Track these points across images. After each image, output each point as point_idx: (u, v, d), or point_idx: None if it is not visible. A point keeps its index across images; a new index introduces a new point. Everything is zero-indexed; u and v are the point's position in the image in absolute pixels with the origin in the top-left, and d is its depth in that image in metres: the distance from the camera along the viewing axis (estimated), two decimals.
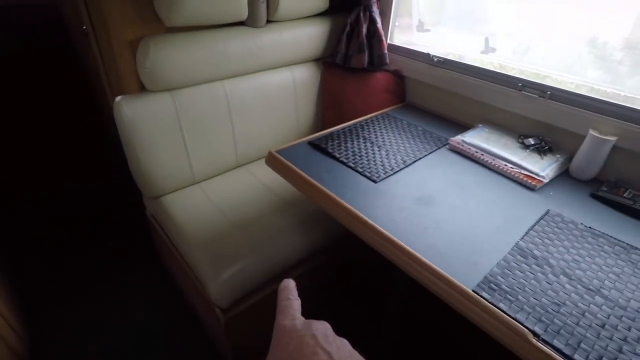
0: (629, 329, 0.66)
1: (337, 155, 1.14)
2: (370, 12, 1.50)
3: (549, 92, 1.16)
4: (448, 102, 1.45)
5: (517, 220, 0.91)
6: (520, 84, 1.22)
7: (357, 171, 1.08)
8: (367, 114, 1.44)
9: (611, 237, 0.87)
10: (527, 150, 1.15)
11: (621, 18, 1.07)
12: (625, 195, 1.00)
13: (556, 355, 0.61)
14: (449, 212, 0.93)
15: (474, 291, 0.72)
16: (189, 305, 1.53)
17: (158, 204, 1.38)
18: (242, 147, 1.51)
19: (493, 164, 1.11)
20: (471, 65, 1.35)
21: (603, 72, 1.15)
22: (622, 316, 0.69)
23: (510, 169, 1.08)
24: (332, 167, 1.09)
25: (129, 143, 1.23)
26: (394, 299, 1.26)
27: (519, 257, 0.80)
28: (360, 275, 1.63)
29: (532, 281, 0.75)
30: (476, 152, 1.15)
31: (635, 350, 0.63)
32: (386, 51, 1.53)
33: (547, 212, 0.94)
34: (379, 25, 1.51)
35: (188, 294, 1.44)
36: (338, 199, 0.95)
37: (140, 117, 1.21)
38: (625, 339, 0.64)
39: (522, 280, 0.75)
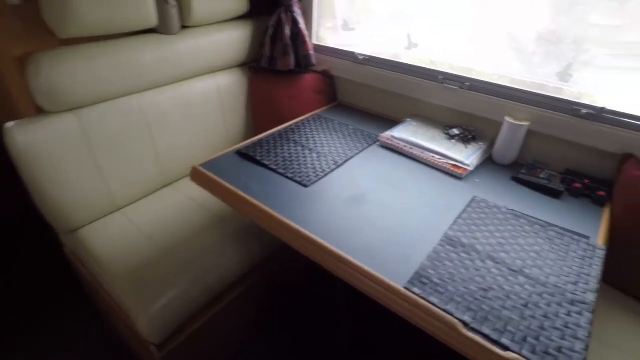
0: (549, 305, 0.71)
1: (267, 163, 1.12)
2: (292, 13, 1.50)
3: (467, 84, 1.23)
4: (377, 99, 1.49)
5: (446, 210, 0.95)
6: (441, 77, 1.28)
7: (287, 177, 1.06)
8: (299, 117, 1.44)
9: (531, 217, 0.93)
10: (453, 141, 1.22)
11: (534, 12, 1.16)
12: (541, 175, 1.08)
13: (485, 342, 0.64)
14: (381, 209, 0.95)
15: (405, 288, 0.73)
16: (124, 345, 1.41)
17: (75, 239, 1.26)
18: (167, 164, 1.43)
19: (421, 156, 1.15)
20: (394, 62, 1.40)
21: (521, 64, 1.24)
22: (542, 293, 0.73)
23: (438, 160, 1.13)
24: (262, 176, 1.07)
25: (29, 174, 1.11)
26: (338, 303, 1.27)
27: (448, 247, 0.83)
28: (304, 283, 1.62)
29: (461, 270, 0.78)
30: (405, 146, 1.19)
31: (554, 325, 0.67)
32: (312, 52, 1.54)
33: (473, 199, 0.99)
34: (302, 26, 1.51)
35: (121, 333, 1.33)
36: (267, 209, 0.93)
37: (39, 143, 1.10)
38: (546, 315, 0.69)
39: (451, 270, 0.78)
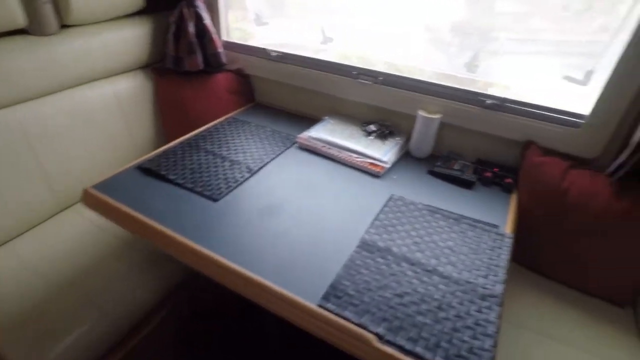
0: (462, 303, 0.71)
1: (172, 177, 1.01)
2: (195, 7, 1.38)
3: (380, 78, 1.22)
4: (295, 97, 1.43)
5: (363, 212, 0.93)
6: (355, 72, 1.26)
7: (195, 192, 0.97)
8: (214, 120, 1.34)
9: (445, 210, 0.94)
10: (371, 137, 1.20)
11: (448, 1, 1.16)
12: (455, 167, 1.11)
13: (399, 354, 0.62)
14: (297, 219, 0.90)
15: (319, 305, 0.69)
16: None
17: None
18: (62, 185, 1.25)
19: (340, 156, 1.12)
20: (307, 57, 1.35)
21: (441, 54, 1.25)
22: (455, 291, 0.73)
23: (356, 159, 1.10)
24: (167, 193, 0.97)
25: None
26: (267, 329, 1.21)
27: (364, 252, 0.81)
28: (232, 307, 1.53)
29: (377, 276, 0.75)
30: (323, 146, 1.15)
31: (466, 324, 0.67)
32: (221, 50, 1.44)
33: (390, 198, 0.98)
34: (207, 21, 1.40)
35: None
36: (170, 232, 0.83)
37: None
38: (458, 315, 0.69)
39: (367, 278, 0.75)
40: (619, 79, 0.89)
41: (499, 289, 0.74)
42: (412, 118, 1.17)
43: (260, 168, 1.08)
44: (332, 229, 0.87)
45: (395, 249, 0.82)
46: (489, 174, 1.07)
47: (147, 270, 1.12)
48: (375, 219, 0.90)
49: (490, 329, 0.66)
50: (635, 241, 0.92)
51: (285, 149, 1.18)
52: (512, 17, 1.10)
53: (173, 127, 1.50)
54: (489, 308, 0.70)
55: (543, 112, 1.03)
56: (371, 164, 1.08)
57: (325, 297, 0.70)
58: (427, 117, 1.12)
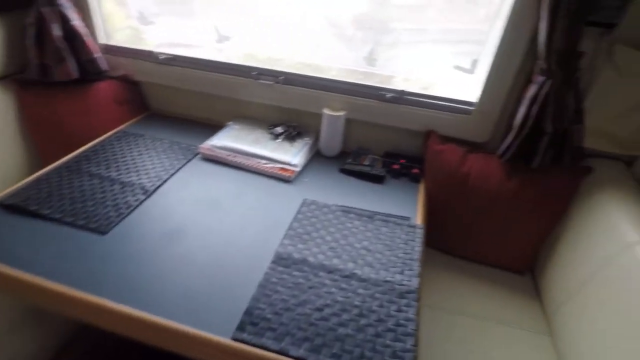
0: (382, 306, 0.70)
1: (46, 212, 0.85)
2: (58, 6, 1.18)
3: (281, 77, 1.17)
4: (194, 103, 1.32)
5: (276, 222, 0.88)
6: (255, 73, 1.19)
7: (77, 226, 0.83)
8: (100, 136, 1.17)
9: (358, 209, 0.94)
10: (278, 140, 1.15)
11: None
12: (365, 162, 1.11)
13: None
14: (204, 240, 0.82)
15: (234, 338, 0.63)
16: None
17: None
18: None
19: (247, 164, 1.06)
20: (201, 59, 1.25)
21: (346, 49, 1.23)
22: (375, 293, 0.73)
23: (264, 166, 1.05)
24: (39, 233, 0.81)
25: None
26: None
27: (279, 268, 0.76)
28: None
29: (295, 292, 0.71)
30: (228, 154, 1.08)
31: (388, 326, 0.67)
32: (98, 54, 1.26)
33: (303, 203, 0.94)
34: (77, 22, 1.21)
35: None
36: (45, 283, 0.69)
37: None
38: (379, 319, 0.68)
39: (284, 296, 0.70)
40: (498, 67, 0.97)
41: (415, 283, 0.75)
42: (319, 117, 1.15)
43: (158, 187, 0.97)
44: (243, 246, 0.81)
45: (311, 259, 0.79)
46: (396, 166, 1.10)
47: (26, 329, 0.94)
48: (289, 228, 0.86)
49: (411, 327, 0.67)
50: (525, 216, 1.01)
51: (187, 162, 1.08)
52: (408, 10, 1.13)
53: (50, 150, 1.28)
54: (407, 305, 0.71)
55: (438, 102, 1.08)
56: (281, 169, 1.04)
57: (240, 327, 0.64)
58: (332, 115, 1.10)
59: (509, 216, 1.03)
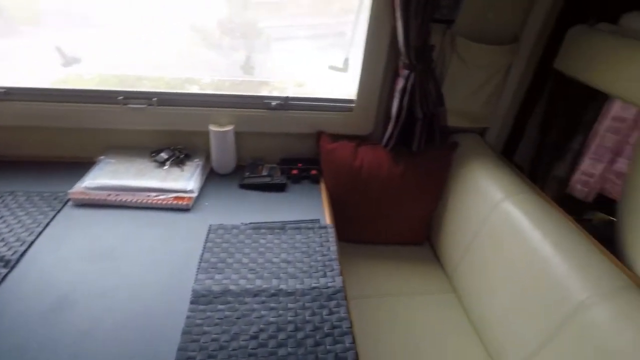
0: (314, 314, 0.72)
1: None
2: None
3: (154, 99, 1.08)
4: (50, 140, 1.12)
5: (184, 259, 0.82)
6: (121, 97, 1.07)
7: None
8: None
9: (268, 222, 0.93)
10: (165, 167, 1.06)
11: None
12: (264, 173, 1.11)
13: None
14: (102, 301, 0.71)
15: None
16: None
17: None
18: None
19: (135, 200, 0.95)
20: (48, 89, 1.07)
21: (220, 58, 1.18)
22: (305, 303, 0.73)
23: (155, 198, 0.96)
24: None
25: None
26: None
27: (201, 307, 0.71)
28: None
29: (225, 327, 0.68)
30: (108, 194, 0.95)
31: (325, 331, 0.68)
32: None
33: (209, 229, 0.90)
34: None
35: None
36: None
37: None
38: (315, 328, 0.69)
39: (214, 335, 0.66)
40: (368, 65, 1.06)
41: (339, 281, 0.79)
42: (207, 134, 1.09)
43: (23, 253, 0.80)
44: (153, 296, 0.73)
45: (233, 287, 0.75)
46: (295, 171, 1.12)
47: None
48: (201, 260, 0.81)
49: (345, 326, 0.70)
50: (414, 194, 1.15)
51: (56, 214, 0.91)
52: (270, 7, 1.15)
53: None
54: (337, 305, 0.74)
55: (322, 104, 1.13)
56: (176, 198, 0.96)
57: None
58: (220, 130, 1.06)
59: (402, 197, 1.15)
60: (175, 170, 1.05)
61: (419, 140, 1.09)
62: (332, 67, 1.19)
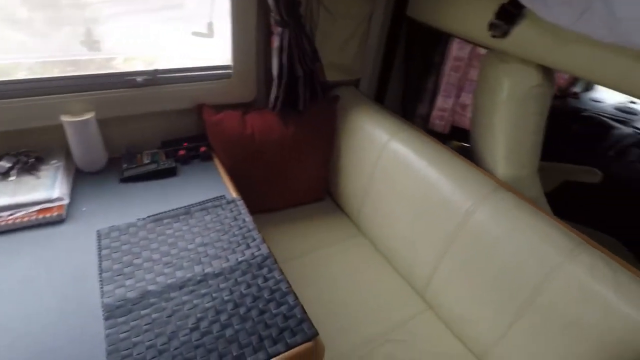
0: (250, 286, 0.70)
1: None
2: None
3: None
4: None
5: (78, 276, 0.69)
6: None
7: None
8: None
9: (169, 211, 0.85)
10: (12, 179, 0.85)
11: None
12: (146, 161, 0.99)
13: None
14: None
15: None
16: None
17: None
18: None
19: None
20: None
21: (25, 36, 0.94)
22: (237, 278, 0.71)
23: (10, 218, 0.77)
24: None
25: None
26: None
27: (120, 319, 0.62)
28: None
29: (157, 330, 0.61)
30: None
31: (266, 299, 0.68)
32: None
33: (99, 236, 0.77)
34: None
35: None
36: None
37: None
38: (255, 298, 0.68)
39: (148, 342, 0.59)
40: (238, 25, 1.02)
41: (264, 248, 0.78)
42: (60, 128, 0.91)
43: None
44: (48, 334, 0.60)
45: (152, 287, 0.68)
46: (182, 152, 1.03)
47: None
48: (102, 271, 0.70)
49: (284, 286, 0.70)
50: (309, 153, 1.19)
51: None
52: None
53: None
54: (270, 270, 0.73)
55: (196, 74, 1.05)
56: (40, 211, 0.79)
57: None
58: (76, 121, 0.90)
59: (297, 157, 1.18)
60: (28, 179, 0.86)
61: (304, 98, 1.11)
62: (196, 34, 1.10)
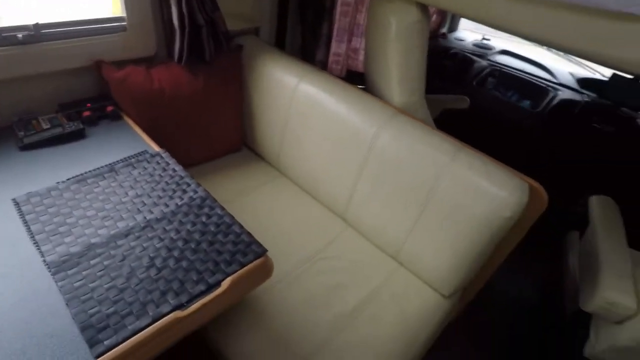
0: (195, 224, 0.75)
1: None
2: None
3: None
4: None
5: (12, 244, 0.66)
6: None
7: None
8: None
9: (90, 171, 0.83)
10: None
11: None
12: (45, 126, 0.92)
13: (204, 299, 0.63)
14: None
15: (97, 356, 0.53)
16: None
17: None
18: None
19: None
20: None
21: None
22: (180, 220, 0.75)
23: None
24: None
25: None
26: None
27: (71, 271, 0.62)
28: None
29: (114, 273, 0.63)
30: None
31: (215, 232, 0.74)
32: None
33: (17, 205, 0.73)
34: None
35: None
36: None
37: None
38: (203, 232, 0.73)
39: (107, 284, 0.61)
40: None
41: (201, 190, 0.82)
42: None
43: None
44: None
45: (95, 240, 0.68)
46: (87, 113, 0.97)
47: None
48: (33, 234, 0.67)
49: (228, 219, 0.77)
50: (220, 104, 1.21)
51: None
52: None
53: None
54: (212, 208, 0.79)
55: (87, 27, 0.97)
56: None
57: (92, 342, 0.54)
58: None
59: (210, 110, 1.20)
60: None
61: (209, 49, 1.12)
62: None
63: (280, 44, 1.43)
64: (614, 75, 1.69)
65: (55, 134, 0.90)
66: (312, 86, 1.13)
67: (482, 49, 2.06)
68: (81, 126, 0.93)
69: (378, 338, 0.92)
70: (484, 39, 2.16)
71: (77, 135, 0.93)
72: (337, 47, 1.65)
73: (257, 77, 1.24)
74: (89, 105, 0.99)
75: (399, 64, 1.07)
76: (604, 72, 1.92)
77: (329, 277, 1.02)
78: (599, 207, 1.19)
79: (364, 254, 1.11)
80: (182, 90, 1.10)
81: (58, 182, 0.78)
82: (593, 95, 1.73)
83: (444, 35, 2.14)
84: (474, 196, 0.88)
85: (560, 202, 1.27)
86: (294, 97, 1.16)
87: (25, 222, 0.70)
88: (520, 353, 1.39)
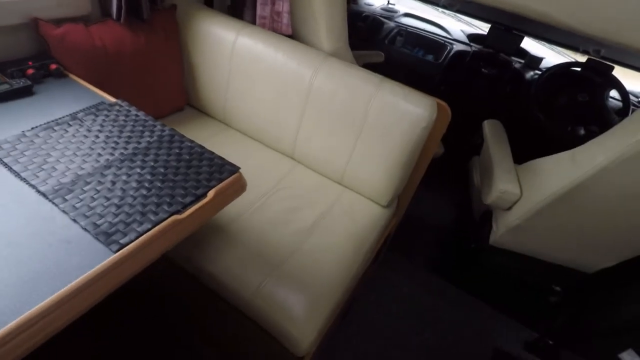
0: (169, 154, 0.84)
1: None
2: None
3: None
4: None
5: None
6: None
7: None
8: None
9: (54, 120, 0.85)
10: None
11: None
12: (19, 80, 0.90)
13: (197, 204, 0.74)
14: None
15: (116, 250, 0.62)
16: None
17: None
18: None
19: None
20: None
21: None
22: (157, 152, 0.83)
23: None
24: None
25: None
26: None
27: (70, 195, 0.69)
28: None
29: (107, 194, 0.71)
30: None
31: (190, 155, 0.84)
32: None
33: None
34: None
35: None
36: None
37: None
38: (180, 160, 0.83)
39: (105, 203, 0.69)
40: None
41: (167, 129, 0.91)
42: None
43: None
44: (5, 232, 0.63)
45: (81, 172, 0.74)
46: (30, 71, 0.97)
47: None
48: (17, 173, 0.71)
49: (199, 148, 0.87)
50: (162, 63, 1.25)
51: None
52: None
53: None
54: (181, 142, 0.88)
55: None
56: None
57: (108, 242, 0.63)
58: None
59: (153, 69, 1.24)
60: None
61: (146, 7, 1.15)
62: None
63: (209, 4, 1.49)
64: (492, 27, 2.05)
65: (3, 90, 0.89)
66: (250, 39, 1.24)
67: (389, 12, 2.31)
68: (29, 82, 0.93)
69: (335, 244, 1.11)
70: (389, 3, 2.41)
71: (25, 92, 0.93)
72: (262, 10, 1.73)
73: (194, 35, 1.30)
74: (30, 63, 0.98)
75: (325, 13, 1.21)
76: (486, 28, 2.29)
77: (287, 202, 1.17)
78: (490, 128, 1.51)
79: (314, 183, 1.28)
80: (124, 49, 1.13)
81: (24, 131, 0.81)
82: (479, 46, 2.08)
83: (355, 1, 2.35)
84: (398, 115, 1.09)
85: (462, 133, 1.58)
86: (234, 51, 1.26)
87: (5, 165, 0.73)
88: (444, 257, 1.70)
